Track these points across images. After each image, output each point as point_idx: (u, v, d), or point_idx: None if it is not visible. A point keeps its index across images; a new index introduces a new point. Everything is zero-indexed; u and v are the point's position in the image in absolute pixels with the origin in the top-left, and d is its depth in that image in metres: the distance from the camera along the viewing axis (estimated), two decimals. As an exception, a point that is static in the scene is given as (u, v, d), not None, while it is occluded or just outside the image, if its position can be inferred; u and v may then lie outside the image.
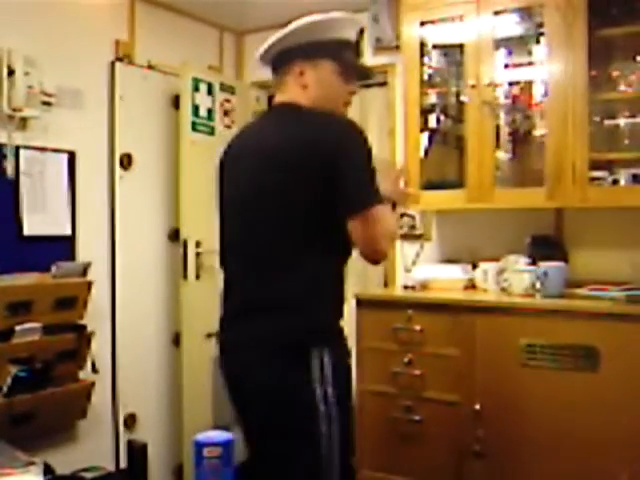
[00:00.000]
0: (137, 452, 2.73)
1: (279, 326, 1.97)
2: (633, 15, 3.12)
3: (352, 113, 4.14)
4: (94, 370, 3.51)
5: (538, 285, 3.17)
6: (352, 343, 3.42)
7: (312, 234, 1.99)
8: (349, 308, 3.59)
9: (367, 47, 4.09)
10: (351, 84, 2.15)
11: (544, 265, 3.16)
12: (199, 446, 1.49)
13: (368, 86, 4.20)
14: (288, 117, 2.12)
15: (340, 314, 2.09)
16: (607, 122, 3.34)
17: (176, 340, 4.08)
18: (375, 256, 1.98)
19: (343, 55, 2.11)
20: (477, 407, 3.07)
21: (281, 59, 2.16)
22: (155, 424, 4.03)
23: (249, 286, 2.06)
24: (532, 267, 3.23)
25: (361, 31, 2.19)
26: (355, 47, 2.17)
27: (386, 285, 4.18)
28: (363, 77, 2.26)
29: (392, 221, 2.11)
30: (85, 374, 3.47)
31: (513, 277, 3.28)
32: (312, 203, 1.96)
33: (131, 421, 3.86)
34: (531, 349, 2.98)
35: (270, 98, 4.64)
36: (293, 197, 1.97)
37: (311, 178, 1.94)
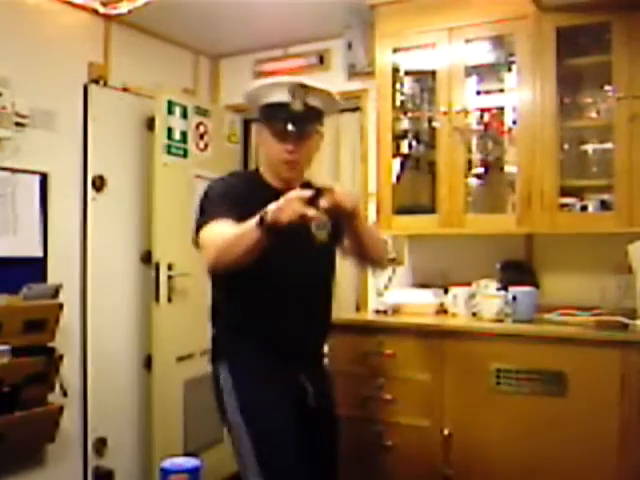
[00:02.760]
0: (104, 479, 2.71)
1: None
2: (601, 45, 3.17)
3: (326, 138, 4.18)
4: (63, 393, 3.47)
5: (508, 310, 3.19)
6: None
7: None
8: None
9: (341, 73, 4.14)
10: (286, 143, 2.27)
11: (514, 290, 3.19)
12: (165, 473, 1.48)
13: (341, 111, 4.22)
14: None
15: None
16: (576, 149, 3.39)
17: (147, 363, 4.04)
18: (213, 269, 2.19)
19: (271, 118, 2.30)
20: (447, 432, 3.07)
21: None
22: (125, 449, 3.98)
23: None
24: (502, 292, 3.25)
25: (302, 86, 2.28)
26: (284, 107, 2.27)
27: (358, 309, 4.18)
28: (287, 138, 2.29)
29: (219, 231, 2.15)
30: (54, 397, 3.43)
31: (483, 302, 3.30)
32: None
33: (100, 445, 3.81)
34: (501, 374, 2.99)
35: (245, 122, 4.67)
36: None
37: None
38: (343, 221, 2.27)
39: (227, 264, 2.10)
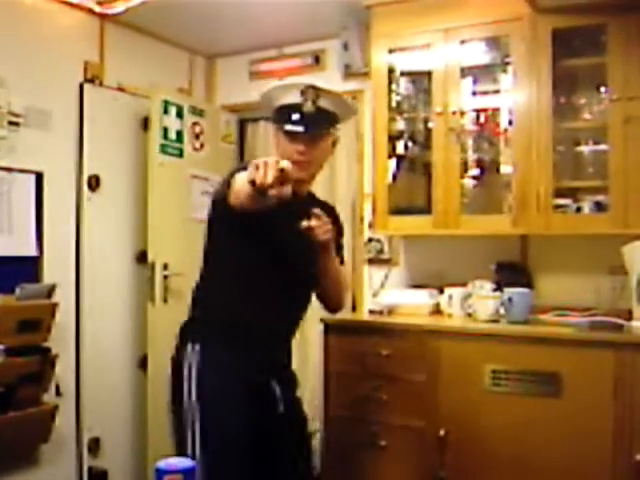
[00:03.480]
0: (98, 479, 2.70)
1: None
2: (596, 47, 3.18)
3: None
4: (58, 393, 3.48)
5: (503, 311, 3.19)
6: (319, 367, 3.45)
7: None
8: (317, 332, 3.62)
9: (336, 73, 4.14)
10: (297, 144, 2.30)
11: (509, 291, 3.19)
12: (160, 473, 1.47)
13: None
14: None
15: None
16: (571, 150, 3.40)
17: (142, 364, 4.04)
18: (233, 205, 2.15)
19: (282, 120, 2.32)
20: (442, 433, 3.07)
21: None
22: (119, 449, 3.97)
23: None
24: (497, 293, 3.26)
25: (313, 87, 2.31)
26: (295, 108, 2.30)
27: (354, 310, 4.18)
28: (296, 138, 2.32)
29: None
30: (49, 397, 3.43)
31: (478, 303, 3.30)
32: None
33: (95, 445, 3.81)
34: (496, 375, 3.00)
35: (240, 122, 4.67)
36: None
37: None
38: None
39: (243, 203, 2.06)
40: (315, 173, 2.43)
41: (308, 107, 2.29)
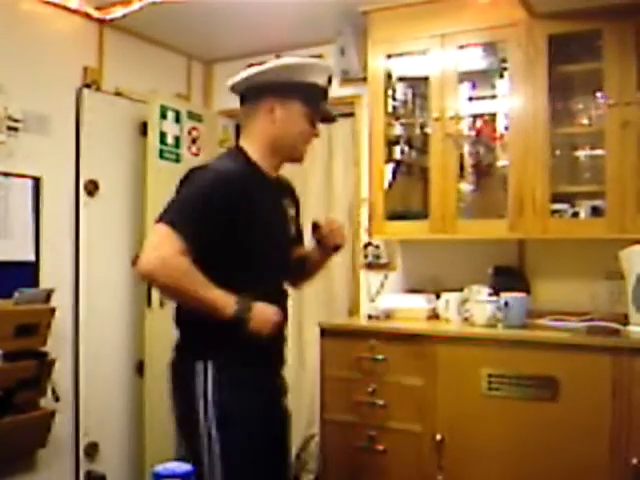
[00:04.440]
0: (96, 483, 2.70)
1: None
2: (592, 52, 3.20)
3: (318, 144, 4.21)
4: (55, 398, 3.47)
5: (500, 315, 3.20)
6: (316, 372, 3.45)
7: None
8: (314, 337, 3.62)
9: (334, 78, 4.14)
10: (315, 127, 2.27)
11: (506, 295, 3.20)
12: (158, 478, 1.47)
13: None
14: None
15: None
16: (568, 155, 3.41)
17: (139, 368, 4.04)
18: (142, 277, 2.07)
19: (311, 98, 2.23)
20: (439, 437, 3.08)
21: (253, 93, 2.26)
22: (117, 453, 3.97)
23: None
24: (494, 297, 3.26)
25: (329, 79, 2.29)
26: (324, 92, 2.26)
27: (351, 314, 4.19)
28: (327, 121, 2.38)
29: (179, 261, 1.99)
30: (46, 402, 3.43)
31: (475, 307, 3.31)
32: None
33: (92, 450, 3.81)
34: (492, 379, 3.00)
35: (238, 127, 4.67)
36: None
37: None
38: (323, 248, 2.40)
39: (162, 289, 2.14)
40: None
41: (330, 93, 2.29)
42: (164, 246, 1.98)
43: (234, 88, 2.31)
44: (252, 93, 2.25)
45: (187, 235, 1.99)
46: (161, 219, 2.04)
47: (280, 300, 2.26)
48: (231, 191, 2.09)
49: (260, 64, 2.24)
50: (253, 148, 2.25)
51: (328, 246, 2.39)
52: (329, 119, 2.36)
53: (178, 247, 1.97)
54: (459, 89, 3.51)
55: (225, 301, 2.02)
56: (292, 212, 2.38)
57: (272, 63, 2.23)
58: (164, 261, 1.97)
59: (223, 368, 2.14)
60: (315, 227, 2.38)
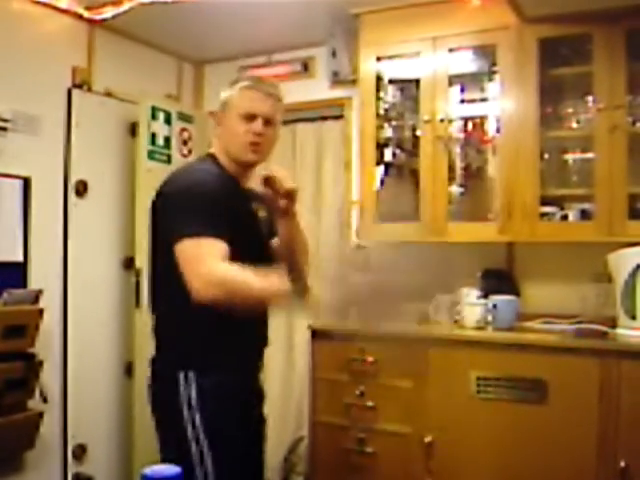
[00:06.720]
0: (84, 485, 2.69)
1: None
2: (582, 56, 3.21)
3: (309, 146, 4.22)
4: (43, 400, 3.45)
5: (489, 318, 3.21)
6: (306, 374, 3.45)
7: None
8: (303, 339, 3.62)
9: (324, 80, 4.16)
10: (254, 122, 2.18)
11: (495, 298, 3.21)
12: (146, 480, 1.46)
13: (324, 119, 4.25)
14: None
15: None
16: (557, 159, 3.42)
17: (128, 370, 4.03)
18: (196, 297, 1.96)
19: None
20: (428, 439, 3.08)
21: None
22: (105, 455, 3.96)
23: None
24: (483, 300, 3.27)
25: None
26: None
27: (341, 316, 4.18)
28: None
29: (196, 260, 1.96)
30: (34, 403, 3.41)
31: (465, 310, 3.32)
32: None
33: (80, 452, 3.79)
34: (482, 381, 3.01)
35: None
36: None
37: None
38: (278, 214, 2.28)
39: (231, 305, 1.94)
40: (265, 160, 2.30)
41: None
42: (204, 263, 1.95)
43: None
44: None
45: (215, 236, 1.98)
46: (182, 236, 2.00)
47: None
48: (219, 186, 2.12)
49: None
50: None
51: (281, 194, 2.21)
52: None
53: (216, 253, 1.96)
54: (449, 92, 3.51)
55: (279, 283, 2.00)
56: (263, 213, 2.32)
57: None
58: (218, 281, 1.94)
59: (205, 376, 2.12)
60: (265, 180, 2.22)
